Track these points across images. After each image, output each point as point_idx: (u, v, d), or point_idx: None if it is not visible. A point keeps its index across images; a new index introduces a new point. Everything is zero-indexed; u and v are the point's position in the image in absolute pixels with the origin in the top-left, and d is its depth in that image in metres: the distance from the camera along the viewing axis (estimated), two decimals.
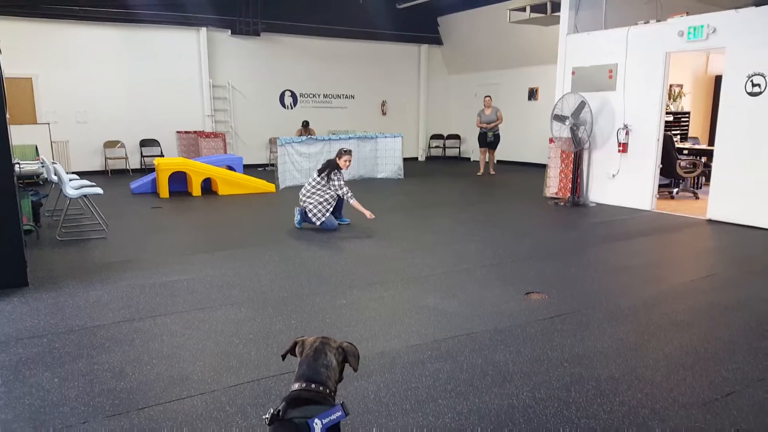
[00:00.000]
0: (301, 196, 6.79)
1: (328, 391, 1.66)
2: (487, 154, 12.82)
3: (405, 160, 12.45)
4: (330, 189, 6.66)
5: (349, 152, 6.90)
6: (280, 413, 1.54)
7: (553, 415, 2.66)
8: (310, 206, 6.66)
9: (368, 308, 4.08)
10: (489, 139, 12.55)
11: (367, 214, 6.66)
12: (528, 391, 2.88)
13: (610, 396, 2.84)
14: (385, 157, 11.97)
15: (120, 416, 2.60)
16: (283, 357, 1.86)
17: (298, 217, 6.83)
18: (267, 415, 1.57)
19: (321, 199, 6.64)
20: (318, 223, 6.65)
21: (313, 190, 6.68)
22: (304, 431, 1.50)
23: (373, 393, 2.84)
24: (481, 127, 12.56)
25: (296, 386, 1.63)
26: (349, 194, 6.68)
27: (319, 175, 6.70)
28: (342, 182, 6.69)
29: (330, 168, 6.71)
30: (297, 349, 1.81)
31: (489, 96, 12.89)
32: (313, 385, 1.63)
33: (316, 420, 1.55)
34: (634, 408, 2.73)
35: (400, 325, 3.75)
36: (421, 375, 3.05)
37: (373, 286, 4.60)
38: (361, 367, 3.09)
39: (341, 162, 6.78)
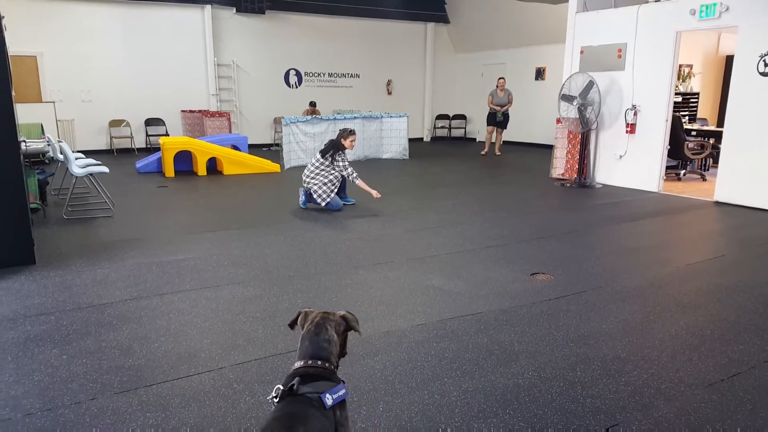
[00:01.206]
0: (304, 177, 6.75)
1: (332, 367, 1.67)
2: (494, 134, 12.74)
3: (410, 140, 12.38)
4: (334, 170, 6.62)
5: (353, 132, 6.84)
6: (295, 387, 1.55)
7: (558, 394, 2.67)
8: (315, 187, 6.63)
9: (374, 288, 4.09)
10: (499, 119, 12.51)
11: (374, 193, 6.64)
12: (533, 371, 2.89)
13: (616, 376, 2.85)
14: (390, 138, 11.90)
15: (128, 393, 2.63)
16: (291, 326, 1.87)
17: (303, 197, 6.81)
18: (274, 394, 1.56)
19: (325, 180, 6.61)
20: (323, 203, 6.64)
21: (317, 171, 6.64)
22: (317, 405, 1.52)
23: (378, 371, 2.86)
24: (491, 108, 12.49)
25: (302, 363, 1.64)
26: (354, 174, 6.65)
27: (323, 156, 6.64)
28: (346, 163, 6.66)
29: (334, 149, 6.65)
30: (300, 320, 1.82)
31: (503, 78, 12.79)
32: (318, 362, 1.64)
33: (327, 395, 1.57)
34: (640, 388, 2.73)
35: (406, 305, 3.76)
36: (426, 354, 3.06)
37: (378, 266, 4.60)
38: (366, 346, 3.12)
39: (347, 143, 6.71)
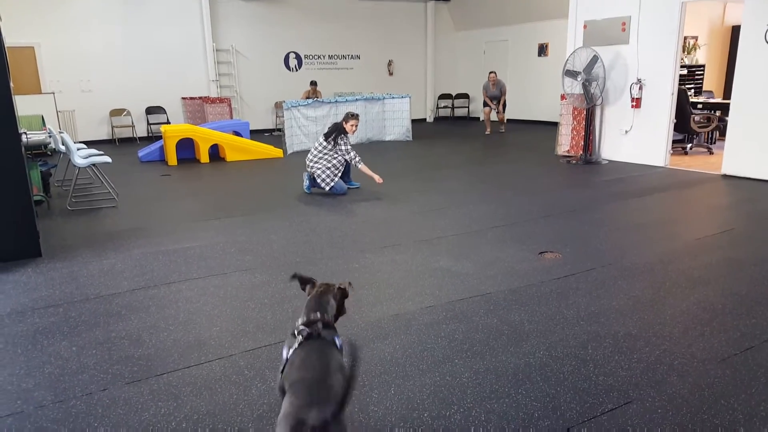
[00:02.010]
0: (308, 162, 6.72)
1: (333, 322, 2.08)
2: (493, 113, 12.74)
3: (413, 121, 12.29)
4: (337, 153, 6.59)
5: (356, 116, 6.77)
6: (319, 331, 1.90)
7: (570, 373, 2.65)
8: (318, 171, 6.60)
9: (381, 271, 4.07)
10: (496, 109, 12.78)
11: (376, 178, 6.61)
12: (544, 350, 2.87)
13: (628, 353, 2.83)
14: (393, 119, 11.81)
15: (139, 383, 2.63)
16: (301, 283, 2.26)
17: (307, 182, 6.78)
18: (297, 332, 1.91)
19: (329, 164, 6.58)
20: (327, 188, 6.60)
21: (320, 155, 6.61)
22: (333, 345, 1.91)
23: (389, 354, 2.85)
24: (486, 100, 12.76)
25: (312, 316, 1.98)
26: (357, 158, 6.61)
27: (325, 140, 6.61)
28: (349, 146, 6.62)
29: (336, 132, 6.60)
30: (308, 287, 2.24)
31: (494, 72, 12.77)
32: (325, 315, 2.02)
33: (337, 338, 1.96)
34: (652, 364, 2.71)
35: (414, 288, 3.74)
36: (436, 336, 3.04)
37: (385, 249, 4.58)
38: (376, 329, 3.12)
39: (348, 126, 6.66)
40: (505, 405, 2.41)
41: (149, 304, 3.54)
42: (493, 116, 12.98)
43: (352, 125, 6.69)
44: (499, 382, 2.59)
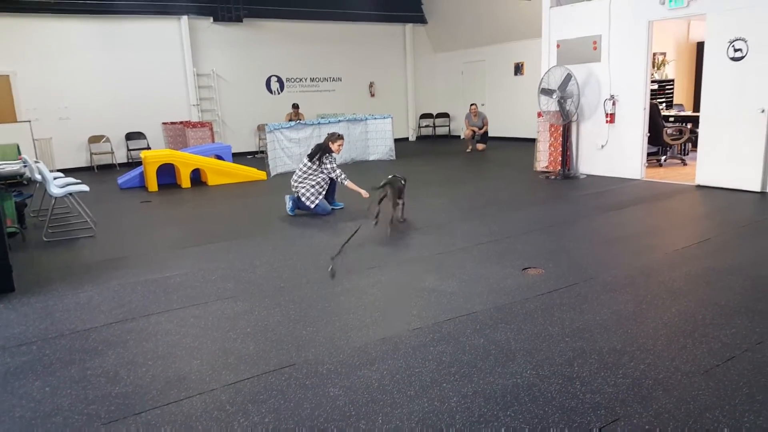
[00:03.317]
0: (293, 183, 6.73)
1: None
2: (474, 133, 12.93)
3: (396, 140, 12.35)
4: (323, 172, 6.62)
5: (341, 137, 6.87)
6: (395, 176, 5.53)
7: (558, 391, 2.64)
8: (303, 190, 6.61)
9: (367, 293, 4.04)
10: (477, 139, 12.90)
11: (363, 192, 6.64)
12: (531, 369, 2.86)
13: (614, 369, 2.83)
14: (375, 139, 11.88)
15: (117, 423, 2.55)
16: (380, 198, 5.25)
17: (290, 204, 6.76)
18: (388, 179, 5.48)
19: (313, 182, 6.62)
20: (312, 206, 6.59)
21: (305, 176, 6.64)
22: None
23: (376, 381, 2.81)
24: (469, 128, 12.95)
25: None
26: (343, 176, 6.66)
27: (310, 161, 6.64)
28: (335, 165, 6.67)
29: (321, 152, 6.65)
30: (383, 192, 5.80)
31: (474, 104, 12.97)
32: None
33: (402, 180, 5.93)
34: (638, 379, 2.71)
35: (401, 309, 3.71)
36: (424, 359, 3.02)
37: (370, 270, 4.56)
38: (362, 355, 3.08)
39: (334, 147, 6.71)
40: (494, 429, 2.38)
41: (127, 338, 3.45)
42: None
43: (339, 145, 6.79)
44: (487, 405, 2.56)
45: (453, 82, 16.10)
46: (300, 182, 6.66)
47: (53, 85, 11.69)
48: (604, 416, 2.43)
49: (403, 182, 6.10)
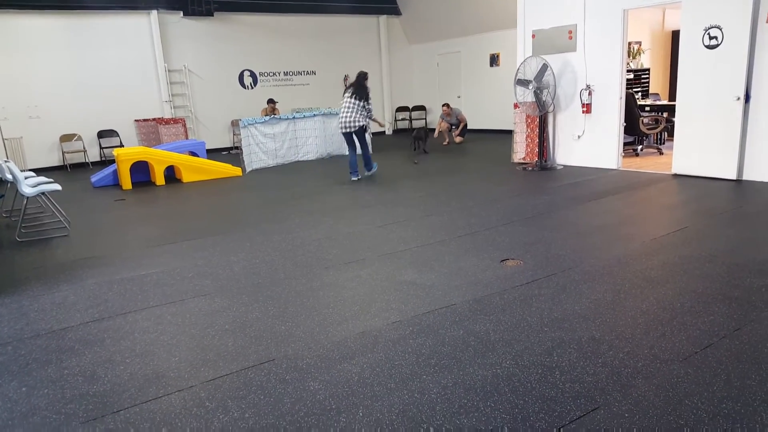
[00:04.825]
0: (344, 121, 8.25)
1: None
2: (451, 126, 12.90)
3: (373, 134, 12.30)
4: (364, 107, 8.29)
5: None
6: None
7: (538, 381, 2.65)
8: (355, 122, 8.25)
9: (346, 288, 4.02)
10: (453, 130, 12.91)
11: (380, 122, 9.57)
12: (511, 359, 2.87)
13: (593, 358, 2.85)
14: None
15: (95, 421, 2.50)
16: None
17: (352, 169, 8.49)
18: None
19: (360, 113, 8.29)
20: (365, 122, 8.32)
21: (354, 108, 8.26)
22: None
23: (356, 375, 2.80)
24: (444, 126, 12.83)
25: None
26: (372, 112, 8.46)
27: (358, 99, 8.25)
28: (369, 102, 8.42)
29: (365, 92, 8.32)
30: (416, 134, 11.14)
31: (446, 104, 12.77)
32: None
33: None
34: (617, 368, 2.74)
35: (380, 303, 3.70)
36: (403, 352, 3.01)
37: (349, 265, 4.53)
38: (342, 349, 3.06)
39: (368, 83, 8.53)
40: (475, 420, 2.39)
41: (104, 336, 3.39)
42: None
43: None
44: (467, 396, 2.56)
45: (429, 74, 16.08)
46: (350, 115, 8.23)
47: (21, 83, 11.38)
48: (583, 405, 2.45)
49: (424, 131, 11.61)
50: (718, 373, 2.66)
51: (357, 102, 8.22)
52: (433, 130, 11.87)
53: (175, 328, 3.46)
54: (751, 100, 6.75)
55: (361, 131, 8.31)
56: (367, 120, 8.40)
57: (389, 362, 2.91)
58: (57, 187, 6.35)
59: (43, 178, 6.82)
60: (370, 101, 8.35)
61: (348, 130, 8.27)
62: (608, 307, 3.46)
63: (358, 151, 8.54)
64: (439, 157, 10.72)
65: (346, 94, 8.35)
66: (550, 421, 2.35)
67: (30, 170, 9.12)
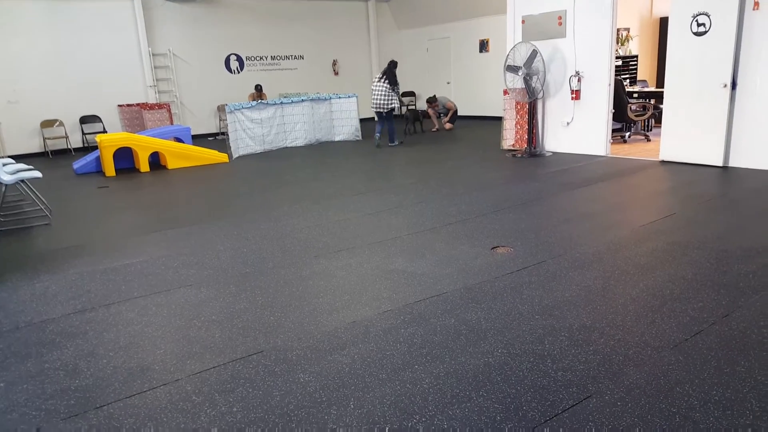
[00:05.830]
0: (376, 101, 10.00)
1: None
2: (439, 114, 12.85)
3: (362, 120, 12.20)
4: (392, 91, 9.99)
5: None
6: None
7: (529, 370, 2.63)
8: (385, 103, 10.01)
9: (336, 277, 3.97)
10: (442, 117, 12.86)
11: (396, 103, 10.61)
12: (503, 348, 2.84)
13: (584, 345, 2.83)
14: (341, 119, 11.68)
15: (77, 417, 2.43)
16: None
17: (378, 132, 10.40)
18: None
19: (390, 96, 10.03)
20: (393, 105, 10.05)
21: (385, 91, 9.94)
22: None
23: (347, 366, 2.75)
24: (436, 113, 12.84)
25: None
26: (399, 94, 10.43)
27: (385, 83, 9.90)
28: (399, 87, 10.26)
29: (394, 78, 10.01)
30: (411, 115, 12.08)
31: (430, 99, 12.68)
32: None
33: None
34: (608, 356, 2.73)
35: (371, 292, 3.66)
36: (395, 341, 2.97)
37: (339, 253, 4.48)
38: (333, 340, 3.02)
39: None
40: (467, 410, 2.36)
41: (86, 329, 3.31)
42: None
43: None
44: (459, 385, 2.53)
45: (418, 59, 15.95)
46: (382, 98, 9.96)
47: (0, 67, 11.10)
48: (576, 393, 2.43)
49: (418, 112, 12.49)
50: (708, 359, 2.65)
51: (387, 86, 9.96)
52: (425, 111, 12.63)
53: (160, 320, 3.39)
54: (738, 88, 6.75)
55: (390, 112, 10.13)
56: (396, 103, 10.12)
57: (380, 352, 2.87)
58: (37, 174, 6.20)
59: (23, 165, 6.66)
60: (398, 86, 10.15)
61: (380, 110, 10.12)
62: (598, 294, 3.45)
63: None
64: (430, 144, 10.66)
65: (379, 80, 10.05)
66: (543, 410, 2.32)
67: (9, 157, 8.92)
